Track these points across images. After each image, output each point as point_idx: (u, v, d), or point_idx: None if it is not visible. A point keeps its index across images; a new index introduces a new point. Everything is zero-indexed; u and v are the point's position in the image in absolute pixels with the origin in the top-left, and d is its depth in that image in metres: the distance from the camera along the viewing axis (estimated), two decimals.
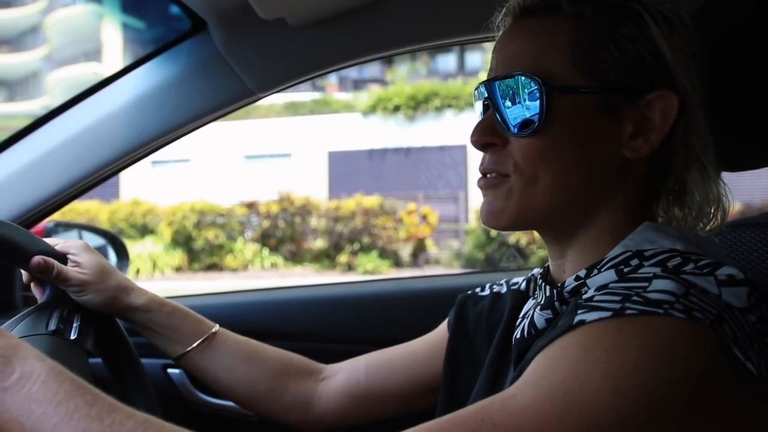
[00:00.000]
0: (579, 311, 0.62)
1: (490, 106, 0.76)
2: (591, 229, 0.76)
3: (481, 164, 0.79)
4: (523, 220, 0.77)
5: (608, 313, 0.59)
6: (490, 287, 1.00)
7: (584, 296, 0.65)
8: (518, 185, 0.74)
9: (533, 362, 0.61)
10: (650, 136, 0.73)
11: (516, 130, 0.74)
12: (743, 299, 0.62)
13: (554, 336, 0.61)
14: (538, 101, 0.72)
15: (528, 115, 0.73)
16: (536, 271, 0.93)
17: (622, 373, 0.56)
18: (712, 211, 0.76)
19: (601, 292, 0.63)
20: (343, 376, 1.06)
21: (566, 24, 0.73)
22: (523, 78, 0.73)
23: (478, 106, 0.81)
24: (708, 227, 0.77)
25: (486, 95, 0.77)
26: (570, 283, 0.73)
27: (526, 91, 0.73)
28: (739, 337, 0.59)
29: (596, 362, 0.57)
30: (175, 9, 1.22)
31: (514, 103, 0.74)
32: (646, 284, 0.62)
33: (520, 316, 0.85)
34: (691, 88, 0.73)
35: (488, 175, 0.78)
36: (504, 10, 0.80)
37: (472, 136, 0.77)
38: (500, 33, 0.81)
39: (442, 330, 1.03)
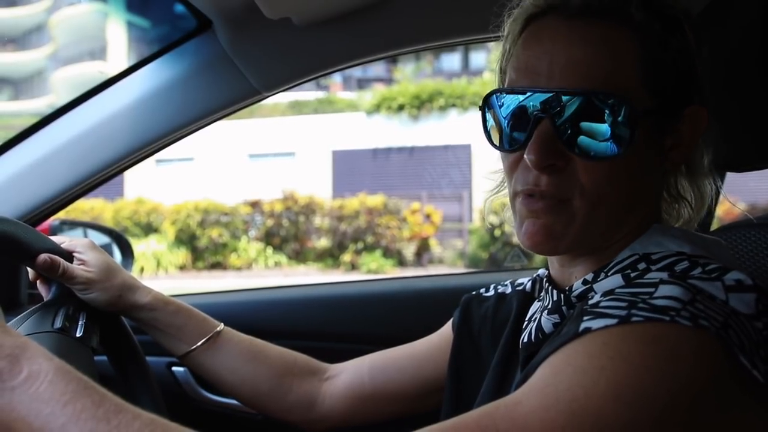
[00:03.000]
0: (585, 318, 0.61)
1: (555, 121, 0.68)
2: (615, 240, 0.74)
3: (536, 185, 0.70)
4: (580, 245, 0.73)
5: (614, 320, 0.59)
6: (495, 288, 0.99)
7: (590, 302, 0.65)
8: (583, 211, 0.69)
9: (539, 369, 0.61)
10: (682, 148, 0.73)
11: (590, 152, 0.68)
12: (751, 306, 0.62)
13: (560, 343, 0.61)
14: (625, 127, 0.67)
15: (609, 139, 0.67)
16: (542, 271, 0.93)
17: (627, 381, 0.55)
18: (702, 212, 0.78)
19: (608, 297, 0.63)
20: (347, 377, 1.06)
21: (635, 36, 0.69)
22: (608, 97, 0.67)
23: (523, 116, 0.71)
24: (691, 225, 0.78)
25: (546, 107, 0.68)
26: (578, 287, 0.73)
27: (609, 112, 0.67)
28: (745, 344, 0.58)
29: (601, 370, 0.56)
30: (180, 8, 1.22)
31: (595, 122, 0.67)
32: (652, 290, 0.61)
33: (527, 318, 0.84)
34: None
35: (539, 196, 0.71)
36: (556, 4, 0.71)
37: (533, 154, 0.68)
38: (540, 25, 0.72)
39: (446, 331, 1.03)
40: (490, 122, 0.76)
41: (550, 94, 0.68)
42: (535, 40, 0.72)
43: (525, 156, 0.70)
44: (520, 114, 0.71)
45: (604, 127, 0.67)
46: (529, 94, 0.70)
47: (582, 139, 0.68)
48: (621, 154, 0.68)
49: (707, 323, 0.57)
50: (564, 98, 0.67)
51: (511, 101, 0.72)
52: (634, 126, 0.67)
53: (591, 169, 0.68)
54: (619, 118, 0.66)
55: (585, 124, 0.67)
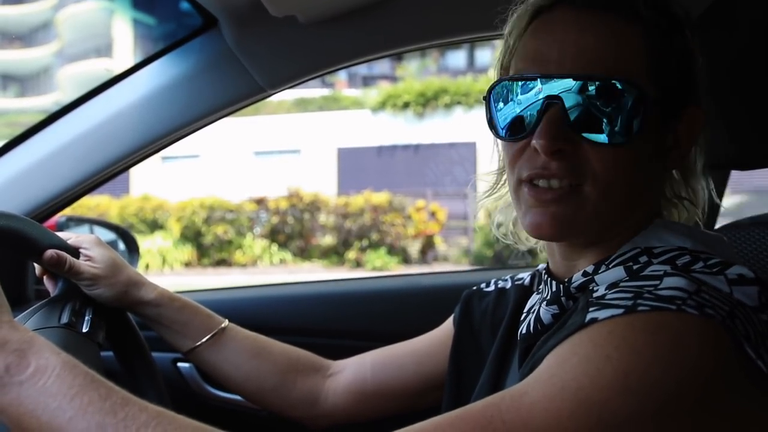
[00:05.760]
0: (591, 309, 0.62)
1: (565, 106, 0.69)
2: (618, 234, 0.75)
3: (544, 168, 0.70)
4: (588, 234, 0.74)
5: (620, 310, 0.59)
6: (495, 283, 1.00)
7: (595, 294, 0.65)
8: (594, 197, 0.70)
9: (545, 360, 0.61)
10: (680, 148, 0.74)
11: (600, 138, 0.68)
12: (754, 298, 0.62)
13: (566, 334, 0.61)
14: (638, 112, 0.68)
15: (619, 125, 0.68)
16: (541, 266, 0.93)
17: (633, 370, 0.56)
18: (699, 213, 0.79)
19: (613, 290, 0.63)
20: (350, 373, 1.07)
21: (642, 30, 0.70)
22: (621, 83, 0.67)
23: (532, 102, 0.71)
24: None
25: (558, 92, 0.69)
26: (577, 278, 0.73)
27: (622, 98, 0.68)
28: (751, 334, 0.58)
29: (608, 359, 0.56)
30: (186, 6, 1.23)
31: (606, 108, 0.68)
32: (657, 282, 0.62)
33: (525, 310, 0.84)
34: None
35: (545, 182, 0.71)
36: None
37: (542, 139, 0.68)
38: (549, 17, 0.73)
39: (447, 326, 1.03)
40: (496, 112, 0.76)
41: (562, 80, 0.68)
42: (545, 30, 0.72)
43: (534, 141, 0.70)
44: (529, 100, 0.71)
45: (615, 113, 0.68)
46: (539, 80, 0.70)
47: (592, 124, 0.68)
48: (630, 141, 0.68)
49: (713, 312, 0.58)
50: (575, 83, 0.68)
51: (519, 89, 0.73)
52: (645, 114, 0.68)
53: (601, 155, 0.69)
54: (630, 105, 0.68)
55: (595, 109, 0.68)
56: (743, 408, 0.58)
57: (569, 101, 0.68)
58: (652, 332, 0.57)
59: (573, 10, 0.71)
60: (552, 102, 0.69)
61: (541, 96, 0.70)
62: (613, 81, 0.68)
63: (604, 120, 0.68)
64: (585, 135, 0.69)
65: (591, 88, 0.68)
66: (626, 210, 0.73)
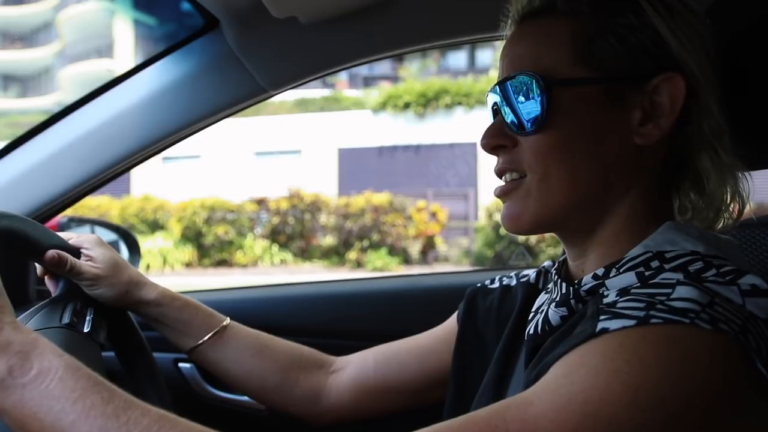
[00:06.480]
0: (601, 317, 0.61)
1: (499, 110, 0.78)
2: (611, 225, 0.75)
3: (496, 165, 0.80)
4: (543, 221, 0.76)
5: (632, 321, 0.58)
6: (500, 280, 1.00)
7: (606, 300, 0.65)
8: (534, 184, 0.74)
9: (552, 369, 0.61)
10: (660, 120, 0.72)
11: (522, 128, 0.75)
12: (767, 310, 0.61)
13: (575, 343, 0.60)
14: (539, 98, 0.73)
15: (532, 113, 0.74)
16: (547, 263, 0.93)
17: (643, 384, 0.55)
18: (727, 200, 0.75)
19: (624, 297, 0.63)
20: (353, 369, 1.07)
21: (564, 21, 0.74)
22: (523, 77, 0.74)
23: (489, 111, 0.83)
24: (723, 222, 0.76)
25: (494, 100, 0.79)
26: (587, 281, 0.72)
27: (528, 89, 0.74)
28: (762, 349, 0.58)
29: (617, 373, 0.56)
30: (187, 6, 1.23)
31: (518, 102, 0.75)
32: (669, 291, 0.61)
33: (533, 310, 0.84)
34: (700, 73, 0.72)
35: (504, 176, 0.79)
36: (509, 18, 0.82)
37: (482, 139, 0.79)
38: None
39: (451, 323, 1.03)
40: None
41: (498, 87, 0.78)
42: (502, 50, 0.82)
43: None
44: (489, 112, 0.83)
45: (529, 104, 0.74)
46: (488, 93, 0.82)
47: (516, 117, 0.76)
48: (544, 125, 0.73)
49: (727, 327, 0.57)
50: (499, 87, 0.78)
51: (487, 104, 0.84)
52: (550, 97, 0.72)
53: (530, 143, 0.75)
54: (535, 91, 0.73)
55: (515, 104, 0.76)
56: (750, 423, 0.57)
57: (501, 104, 0.78)
58: (664, 346, 0.56)
59: (514, 27, 0.81)
60: (494, 108, 0.80)
61: (492, 104, 0.81)
62: (520, 75, 0.74)
63: (522, 111, 0.75)
64: (513, 129, 0.76)
65: (507, 86, 0.76)
66: (589, 191, 0.73)
